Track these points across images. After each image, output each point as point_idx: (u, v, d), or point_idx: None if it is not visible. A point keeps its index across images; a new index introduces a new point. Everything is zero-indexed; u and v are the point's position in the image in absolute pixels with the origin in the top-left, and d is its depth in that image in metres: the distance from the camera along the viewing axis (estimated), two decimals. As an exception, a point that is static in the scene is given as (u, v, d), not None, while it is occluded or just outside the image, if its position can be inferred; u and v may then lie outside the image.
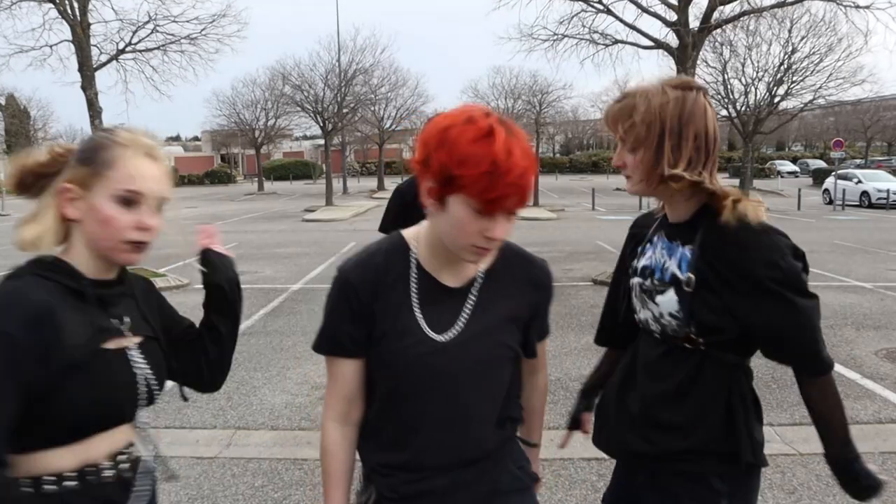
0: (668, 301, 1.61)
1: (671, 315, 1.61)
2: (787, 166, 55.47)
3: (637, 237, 1.83)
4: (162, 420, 4.69)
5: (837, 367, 5.43)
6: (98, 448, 1.33)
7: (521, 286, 1.51)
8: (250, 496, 3.57)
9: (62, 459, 1.29)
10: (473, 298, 1.44)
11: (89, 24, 9.37)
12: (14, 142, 47.61)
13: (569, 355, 6.11)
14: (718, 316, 1.56)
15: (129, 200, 1.32)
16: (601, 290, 9.30)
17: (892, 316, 7.59)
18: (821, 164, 50.08)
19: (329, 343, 1.44)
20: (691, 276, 1.57)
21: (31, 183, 1.43)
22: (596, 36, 9.92)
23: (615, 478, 1.90)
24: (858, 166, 41.61)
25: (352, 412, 1.47)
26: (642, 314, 1.71)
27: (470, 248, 1.33)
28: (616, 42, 9.92)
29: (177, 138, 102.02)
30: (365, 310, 1.39)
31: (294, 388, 5.30)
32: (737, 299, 1.53)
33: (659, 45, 9.44)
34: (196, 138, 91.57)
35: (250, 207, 30.39)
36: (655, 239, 1.74)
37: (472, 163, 1.21)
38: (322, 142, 35.88)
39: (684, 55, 8.93)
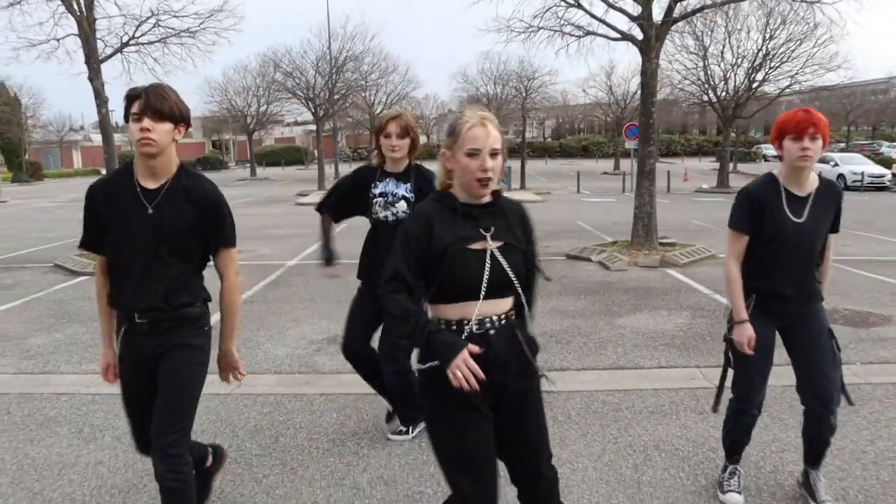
0: (401, 206, 3.67)
1: (403, 212, 3.64)
2: (772, 150, 56.13)
3: (368, 179, 3.79)
4: (180, 368, 5.46)
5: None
6: (466, 310, 2.16)
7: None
8: (259, 419, 4.36)
9: (450, 312, 2.17)
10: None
11: (95, 20, 10.02)
12: (6, 129, 47.95)
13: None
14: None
15: (473, 154, 2.10)
16: (573, 263, 10.11)
17: (830, 283, 8.39)
18: (805, 147, 50.77)
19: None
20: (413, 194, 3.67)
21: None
22: (569, 28, 10.65)
23: None
24: (842, 150, 42.45)
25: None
26: (382, 214, 3.71)
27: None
28: (588, 34, 10.65)
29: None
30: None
31: (293, 343, 6.09)
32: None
33: (625, 37, 10.16)
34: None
35: (244, 192, 31.01)
36: (388, 179, 3.74)
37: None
38: (313, 127, 36.39)
39: (648, 47, 9.67)
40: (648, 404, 4.53)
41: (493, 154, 2.13)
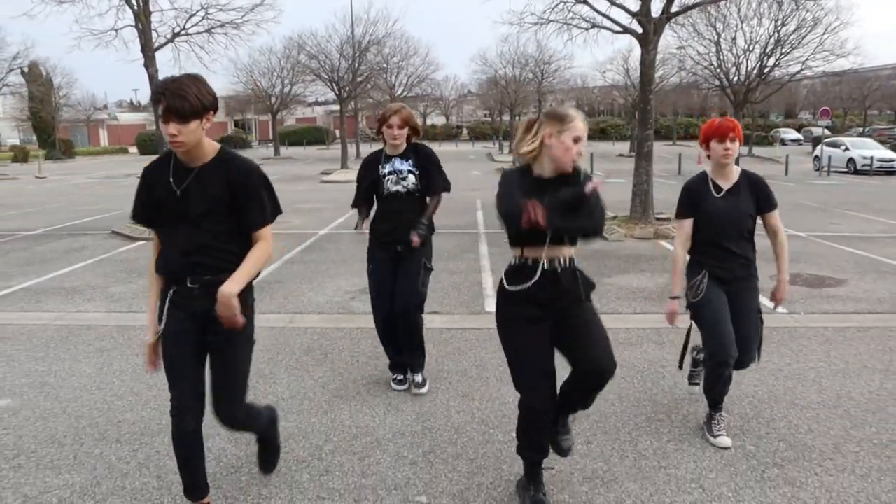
0: (410, 179, 4.39)
1: (413, 184, 4.39)
2: (791, 134, 56.46)
3: (375, 164, 4.48)
4: (241, 309, 6.66)
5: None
6: (538, 252, 2.86)
7: None
8: (310, 343, 5.55)
9: (529, 252, 2.89)
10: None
11: (150, 13, 11.20)
12: (39, 108, 49.70)
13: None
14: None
15: (578, 140, 2.82)
16: (575, 235, 11.19)
17: (805, 254, 9.42)
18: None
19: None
20: (416, 170, 4.41)
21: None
22: (576, 20, 11.67)
23: None
24: (860, 134, 42.64)
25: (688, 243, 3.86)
26: (394, 188, 4.39)
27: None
28: (593, 26, 11.66)
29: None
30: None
31: (331, 292, 7.27)
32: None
33: (626, 30, 11.18)
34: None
35: (270, 171, 31.06)
36: (392, 160, 4.44)
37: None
38: (334, 107, 37.50)
39: (646, 39, 10.68)
40: (619, 337, 5.65)
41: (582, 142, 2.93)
